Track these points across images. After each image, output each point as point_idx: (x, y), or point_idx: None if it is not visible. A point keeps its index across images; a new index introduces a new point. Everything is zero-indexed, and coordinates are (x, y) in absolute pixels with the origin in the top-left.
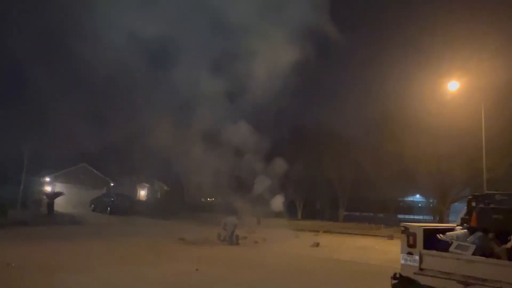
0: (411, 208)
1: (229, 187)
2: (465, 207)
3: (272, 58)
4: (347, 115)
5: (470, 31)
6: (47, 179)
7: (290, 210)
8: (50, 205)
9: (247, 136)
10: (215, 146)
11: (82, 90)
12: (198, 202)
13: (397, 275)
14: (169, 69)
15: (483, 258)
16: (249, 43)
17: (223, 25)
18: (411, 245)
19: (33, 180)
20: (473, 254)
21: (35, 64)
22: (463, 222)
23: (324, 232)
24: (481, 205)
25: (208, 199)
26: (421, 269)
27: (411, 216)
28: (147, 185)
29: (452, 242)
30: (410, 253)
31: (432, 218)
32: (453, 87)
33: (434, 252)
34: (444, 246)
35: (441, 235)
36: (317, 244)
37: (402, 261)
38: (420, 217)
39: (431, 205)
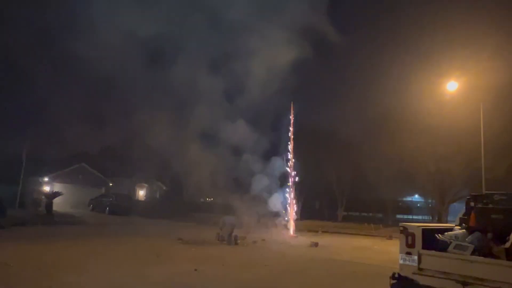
0: (410, 208)
1: (227, 187)
2: (464, 207)
3: (271, 58)
4: (346, 115)
5: (469, 31)
6: (46, 179)
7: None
8: (49, 205)
9: (245, 135)
10: (214, 146)
11: (81, 90)
12: (197, 202)
13: (396, 275)
14: (168, 68)
15: (482, 258)
16: (248, 42)
17: (221, 24)
18: (410, 245)
19: (31, 180)
20: (472, 254)
21: (34, 63)
22: (461, 222)
23: (323, 232)
24: (480, 205)
25: (207, 199)
26: (419, 269)
27: (410, 216)
28: (146, 185)
29: (450, 242)
30: (408, 253)
31: (431, 218)
32: (452, 87)
33: (432, 252)
34: (442, 246)
35: (439, 235)
36: (316, 244)
37: (401, 261)
38: (419, 217)
39: (430, 205)
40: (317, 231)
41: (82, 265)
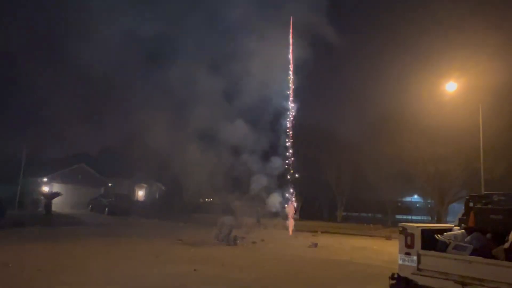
0: (409, 209)
1: (226, 187)
2: (463, 208)
3: (270, 58)
4: (346, 115)
5: (468, 32)
6: (45, 179)
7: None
8: (48, 205)
9: (244, 135)
10: (213, 146)
11: (80, 90)
12: (196, 202)
13: (395, 276)
14: (167, 68)
15: (481, 258)
16: (247, 42)
17: (220, 24)
18: (409, 246)
19: (30, 180)
20: (471, 254)
21: (33, 63)
22: (460, 222)
23: (323, 232)
24: (479, 206)
25: (206, 199)
26: (419, 269)
27: (409, 217)
28: (145, 185)
29: (450, 243)
30: (408, 254)
31: (430, 218)
32: (451, 88)
33: (432, 252)
34: (442, 247)
35: (439, 235)
36: (316, 245)
37: (400, 262)
38: (418, 217)
39: (429, 206)
40: (316, 231)
41: (82, 265)
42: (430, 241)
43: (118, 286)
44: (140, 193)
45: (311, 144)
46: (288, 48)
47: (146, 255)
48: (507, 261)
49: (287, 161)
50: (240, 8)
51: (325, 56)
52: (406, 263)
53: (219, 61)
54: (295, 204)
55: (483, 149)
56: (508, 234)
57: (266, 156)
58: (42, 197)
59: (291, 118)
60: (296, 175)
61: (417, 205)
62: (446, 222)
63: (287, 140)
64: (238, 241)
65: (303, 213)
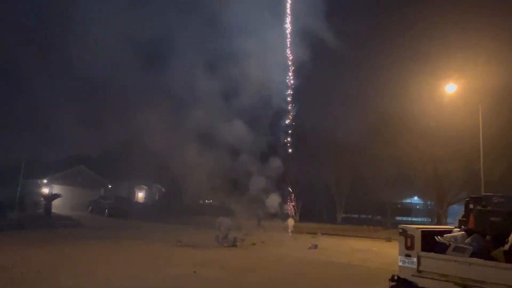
0: (409, 210)
1: (226, 188)
2: (463, 209)
3: (268, 59)
4: (345, 117)
5: (467, 34)
6: (45, 181)
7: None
8: (48, 207)
9: (243, 135)
10: (212, 147)
11: (79, 93)
12: (196, 204)
13: (395, 277)
14: (165, 69)
15: (481, 260)
16: (245, 44)
17: (219, 26)
18: (409, 247)
19: (30, 182)
20: (471, 256)
21: (32, 66)
22: (460, 224)
23: (322, 234)
24: (479, 207)
25: (206, 201)
26: (419, 271)
27: (409, 218)
28: (145, 187)
29: (450, 244)
30: (408, 255)
31: (430, 220)
32: (450, 90)
33: (432, 254)
34: (442, 248)
35: (439, 237)
36: (315, 246)
37: (400, 263)
38: (418, 219)
39: (429, 208)
40: (316, 233)
41: (81, 268)
42: (430, 243)
43: None
44: (140, 195)
45: (310, 146)
46: (288, 49)
47: (146, 257)
48: (507, 263)
49: (286, 162)
50: (239, 9)
51: (324, 58)
52: (406, 265)
53: (217, 62)
54: (294, 204)
55: (483, 150)
56: (507, 236)
57: (265, 157)
58: (42, 199)
59: (291, 119)
60: (295, 177)
61: (417, 207)
62: (446, 224)
63: (286, 141)
64: (238, 243)
65: (302, 215)
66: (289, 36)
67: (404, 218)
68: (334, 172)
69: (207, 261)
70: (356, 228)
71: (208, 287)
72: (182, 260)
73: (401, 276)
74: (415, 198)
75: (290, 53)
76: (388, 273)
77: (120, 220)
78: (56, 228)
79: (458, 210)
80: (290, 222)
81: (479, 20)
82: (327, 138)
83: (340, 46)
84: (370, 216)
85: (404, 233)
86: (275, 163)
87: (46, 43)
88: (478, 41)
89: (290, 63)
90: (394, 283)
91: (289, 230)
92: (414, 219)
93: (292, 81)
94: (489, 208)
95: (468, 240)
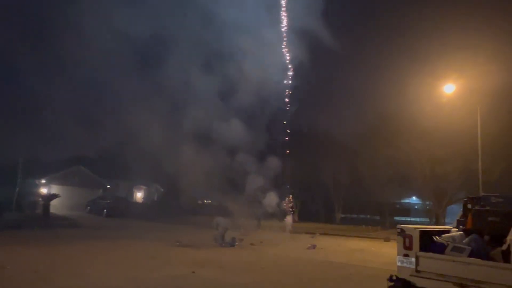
0: (407, 210)
1: (224, 188)
2: (461, 209)
3: (265, 59)
4: (343, 118)
5: (466, 34)
6: (43, 181)
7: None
8: (46, 207)
9: (240, 135)
10: (210, 147)
11: (77, 92)
12: (195, 204)
13: (394, 277)
14: (161, 68)
15: (479, 260)
16: (242, 43)
17: (216, 24)
18: (407, 247)
19: (28, 182)
20: (469, 256)
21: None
22: (459, 224)
23: (321, 234)
24: (477, 208)
25: (205, 201)
26: (417, 271)
27: (408, 218)
28: (144, 187)
29: (448, 244)
30: (406, 255)
31: (428, 220)
32: (449, 90)
33: (430, 254)
34: (440, 248)
35: (437, 237)
36: (314, 246)
37: (399, 263)
38: (417, 219)
39: (428, 208)
40: (314, 233)
41: (79, 268)
42: (428, 243)
43: None
44: (139, 195)
45: (308, 146)
46: (285, 49)
47: (144, 257)
48: (505, 263)
49: (283, 161)
50: (235, 8)
51: (322, 57)
52: (405, 264)
53: (214, 61)
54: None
55: (481, 151)
56: (506, 236)
57: (263, 157)
58: (40, 199)
59: (288, 119)
60: (293, 176)
61: (416, 207)
62: (444, 224)
63: (283, 141)
64: (237, 243)
65: (301, 215)
66: (287, 35)
67: (403, 218)
68: (333, 172)
69: (206, 261)
70: (355, 228)
71: (206, 287)
72: (181, 260)
73: (400, 276)
74: (414, 198)
75: (288, 53)
76: (386, 273)
77: (119, 220)
78: (54, 228)
79: (456, 210)
80: (288, 219)
81: (478, 20)
82: (325, 137)
83: (339, 46)
84: (368, 216)
85: (402, 233)
86: (273, 162)
87: (41, 41)
88: (477, 41)
89: (288, 62)
90: (392, 283)
91: (287, 230)
92: (412, 219)
93: (290, 81)
94: (487, 208)
95: (466, 240)
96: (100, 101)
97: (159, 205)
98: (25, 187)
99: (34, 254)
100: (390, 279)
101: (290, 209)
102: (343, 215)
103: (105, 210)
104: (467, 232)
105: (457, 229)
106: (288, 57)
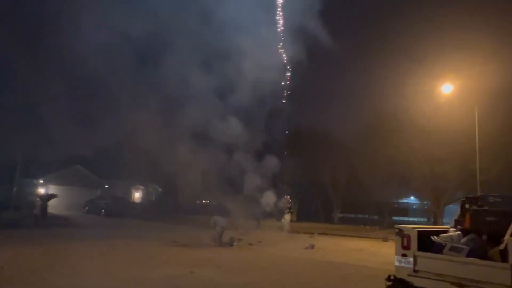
0: (405, 210)
1: (222, 188)
2: (459, 209)
3: (262, 58)
4: (342, 117)
5: (464, 34)
6: (41, 181)
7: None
8: (44, 207)
9: (238, 134)
10: (207, 146)
11: (74, 91)
12: (193, 204)
13: (392, 277)
14: (159, 67)
15: (477, 259)
16: (240, 41)
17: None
18: (405, 247)
19: (26, 182)
20: (467, 256)
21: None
22: (456, 224)
23: (319, 234)
24: (475, 207)
25: (203, 201)
26: (415, 271)
27: (406, 218)
28: (142, 187)
29: (446, 244)
30: (404, 255)
31: (426, 220)
32: (446, 90)
33: (428, 254)
34: (438, 248)
35: (435, 237)
36: (312, 246)
37: (397, 263)
38: (415, 219)
39: (426, 207)
40: (313, 233)
41: (77, 268)
42: (426, 242)
43: None
44: (137, 195)
45: (306, 145)
46: (283, 48)
47: (142, 257)
48: (503, 263)
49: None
50: (233, 6)
51: (320, 57)
52: (403, 264)
53: (212, 60)
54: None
55: (479, 150)
56: (503, 235)
57: (261, 156)
58: (38, 199)
59: (287, 118)
60: (292, 176)
61: (414, 207)
62: (442, 224)
63: (281, 140)
64: (235, 243)
65: (299, 215)
66: (285, 34)
67: (401, 218)
68: (331, 171)
69: (204, 261)
70: (353, 228)
71: (205, 286)
72: (179, 260)
73: (398, 276)
74: (412, 198)
75: (286, 52)
76: (384, 273)
77: (117, 220)
78: (51, 228)
79: (454, 210)
80: (286, 218)
81: (476, 20)
82: (324, 137)
83: (336, 45)
84: (367, 216)
85: (400, 233)
86: (271, 161)
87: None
88: (474, 41)
89: (286, 61)
90: (390, 283)
91: (286, 229)
92: (410, 219)
93: (288, 80)
94: (485, 207)
95: (464, 240)
96: (99, 100)
97: (157, 205)
98: (23, 187)
99: (31, 253)
100: (389, 279)
101: (288, 209)
102: (341, 215)
103: (103, 210)
104: (465, 232)
105: (455, 229)
106: (286, 56)
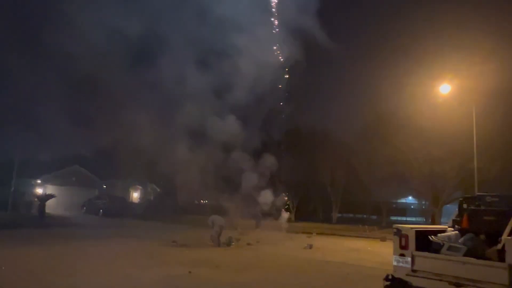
0: (404, 210)
1: (221, 188)
2: (457, 209)
3: (263, 57)
4: (340, 117)
5: (462, 34)
6: (39, 181)
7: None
8: (42, 207)
9: (236, 132)
10: (205, 146)
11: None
12: (191, 204)
13: (390, 277)
14: (155, 65)
15: (474, 259)
16: (237, 40)
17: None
18: (404, 247)
19: (24, 182)
20: (464, 255)
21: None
22: (454, 223)
23: (318, 234)
24: (472, 207)
25: (202, 201)
26: (413, 271)
27: (404, 218)
28: (140, 187)
29: (443, 244)
30: (402, 255)
31: (424, 220)
32: (444, 90)
33: (426, 253)
34: (436, 248)
35: (433, 236)
36: (311, 246)
37: (395, 263)
38: (413, 218)
39: (424, 207)
40: (311, 233)
41: (74, 268)
42: (424, 242)
43: None
44: (135, 195)
45: (305, 144)
46: (281, 48)
47: (140, 257)
48: (500, 262)
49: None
50: (230, 5)
51: (319, 56)
52: (401, 264)
53: (209, 58)
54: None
55: (477, 150)
56: (501, 235)
57: (259, 155)
58: (36, 199)
59: (285, 117)
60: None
61: (412, 207)
62: (440, 224)
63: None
64: (233, 243)
65: (298, 215)
66: (284, 33)
67: (399, 218)
68: (329, 171)
69: (202, 261)
70: (351, 227)
71: (203, 286)
72: (177, 259)
73: (396, 276)
74: (410, 198)
75: (284, 51)
76: (382, 273)
77: (115, 220)
78: (50, 228)
79: (452, 209)
80: (284, 215)
81: (474, 20)
82: (322, 137)
83: (335, 45)
84: (365, 215)
85: (398, 232)
86: (269, 160)
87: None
88: (472, 41)
89: (284, 61)
90: (388, 283)
91: (284, 228)
92: (408, 218)
93: (287, 79)
94: (483, 207)
95: (461, 239)
96: (97, 100)
97: (156, 204)
98: (21, 187)
99: (29, 254)
100: (387, 278)
101: (286, 208)
102: (339, 215)
103: (101, 210)
104: (462, 232)
105: (452, 229)
106: (284, 56)
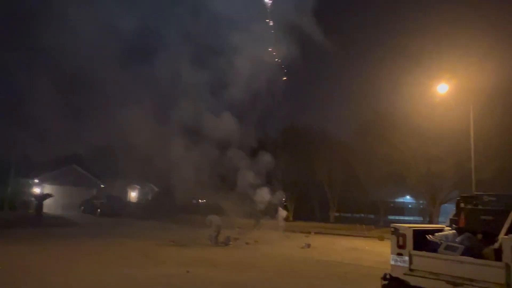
0: (401, 209)
1: (218, 187)
2: (454, 208)
3: (256, 54)
4: (338, 117)
5: (459, 34)
6: (36, 180)
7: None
8: (39, 207)
9: (232, 130)
10: (202, 145)
11: (70, 91)
12: (189, 203)
13: (387, 276)
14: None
15: (472, 258)
16: (233, 38)
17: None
18: (401, 246)
19: (21, 182)
20: (462, 254)
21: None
22: (452, 223)
23: (315, 233)
24: (470, 206)
25: (200, 200)
26: (410, 270)
27: (402, 217)
28: (138, 186)
29: (441, 243)
30: (400, 254)
31: (422, 219)
32: (442, 90)
33: (423, 252)
34: (433, 247)
35: (430, 236)
36: (308, 245)
37: (392, 262)
38: (411, 218)
39: (421, 207)
40: (309, 232)
41: (71, 267)
42: (421, 241)
43: None
44: (133, 194)
45: (302, 144)
46: (278, 46)
47: (138, 257)
48: (497, 261)
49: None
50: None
51: (316, 55)
52: (398, 263)
53: (205, 55)
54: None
55: (474, 150)
56: (498, 234)
57: (255, 154)
58: (33, 199)
59: (282, 116)
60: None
61: (409, 206)
62: (437, 223)
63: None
64: (231, 242)
65: (295, 214)
66: (280, 32)
67: (397, 217)
68: (327, 170)
69: (200, 260)
70: (349, 227)
71: (201, 286)
72: (175, 259)
73: (393, 275)
74: (407, 197)
75: (282, 49)
76: (380, 272)
77: (113, 219)
78: (46, 227)
79: (449, 209)
80: (282, 213)
81: (471, 19)
82: (319, 136)
83: (332, 44)
84: (362, 215)
85: (396, 232)
86: (265, 158)
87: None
88: (469, 41)
89: (280, 59)
90: (386, 282)
91: (281, 227)
92: (406, 218)
93: (283, 77)
94: (480, 207)
95: (459, 238)
96: (93, 99)
97: (154, 204)
98: (18, 187)
99: (26, 253)
100: (384, 277)
101: (284, 206)
102: (337, 214)
103: (99, 210)
104: (460, 231)
105: (450, 228)
106: (281, 54)
